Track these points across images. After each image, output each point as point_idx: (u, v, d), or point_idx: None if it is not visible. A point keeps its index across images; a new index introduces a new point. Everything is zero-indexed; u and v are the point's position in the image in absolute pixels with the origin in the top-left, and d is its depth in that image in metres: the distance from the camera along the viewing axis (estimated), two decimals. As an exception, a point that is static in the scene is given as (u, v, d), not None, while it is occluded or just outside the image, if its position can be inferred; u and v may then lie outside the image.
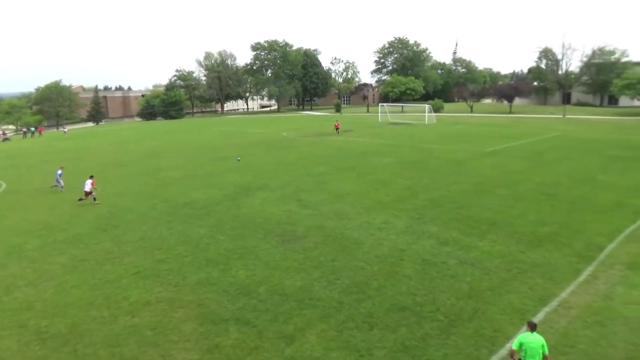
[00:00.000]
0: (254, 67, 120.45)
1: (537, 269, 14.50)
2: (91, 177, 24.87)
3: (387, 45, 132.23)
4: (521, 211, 20.64)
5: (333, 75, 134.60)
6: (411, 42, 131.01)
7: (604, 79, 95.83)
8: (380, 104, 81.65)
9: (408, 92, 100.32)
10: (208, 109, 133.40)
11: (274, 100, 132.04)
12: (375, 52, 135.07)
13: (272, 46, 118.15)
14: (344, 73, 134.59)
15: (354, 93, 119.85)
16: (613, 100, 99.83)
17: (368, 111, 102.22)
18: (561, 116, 73.83)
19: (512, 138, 46.49)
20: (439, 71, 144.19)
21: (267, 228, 19.07)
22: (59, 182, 27.77)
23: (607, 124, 62.01)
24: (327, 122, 76.56)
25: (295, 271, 14.78)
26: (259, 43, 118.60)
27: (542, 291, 13.03)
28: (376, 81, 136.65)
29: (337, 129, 54.27)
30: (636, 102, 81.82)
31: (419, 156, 36.33)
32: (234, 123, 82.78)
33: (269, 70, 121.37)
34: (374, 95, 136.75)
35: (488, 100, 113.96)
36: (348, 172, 30.50)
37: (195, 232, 18.83)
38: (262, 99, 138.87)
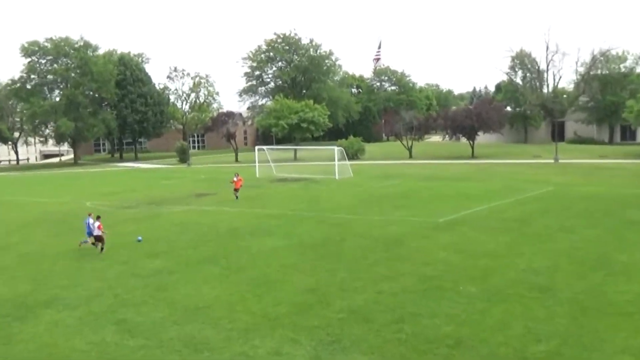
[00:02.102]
0: (28, 86, 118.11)
1: (532, 414, 15.31)
2: (98, 217, 33.77)
3: (264, 48, 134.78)
4: (500, 320, 21.69)
5: (173, 98, 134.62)
6: (304, 41, 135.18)
7: (612, 100, 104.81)
8: (257, 147, 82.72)
9: (304, 125, 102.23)
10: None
11: (67, 144, 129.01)
12: (245, 58, 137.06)
13: (61, 48, 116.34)
14: (193, 94, 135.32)
15: (211, 129, 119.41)
16: (628, 134, 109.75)
17: (237, 160, 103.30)
18: (552, 161, 79.79)
19: (479, 199, 49.28)
20: (354, 90, 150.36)
21: (62, 377, 18.34)
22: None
23: (622, 170, 68.10)
24: (168, 179, 76.04)
25: None
26: (35, 42, 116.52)
27: None
28: (248, 108, 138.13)
29: (236, 190, 53.33)
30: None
31: (329, 234, 37.11)
32: (-8, 187, 79.59)
33: (57, 91, 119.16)
34: (245, 132, 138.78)
35: (436, 137, 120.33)
36: (207, 267, 30.30)
37: None
38: (44, 142, 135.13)
